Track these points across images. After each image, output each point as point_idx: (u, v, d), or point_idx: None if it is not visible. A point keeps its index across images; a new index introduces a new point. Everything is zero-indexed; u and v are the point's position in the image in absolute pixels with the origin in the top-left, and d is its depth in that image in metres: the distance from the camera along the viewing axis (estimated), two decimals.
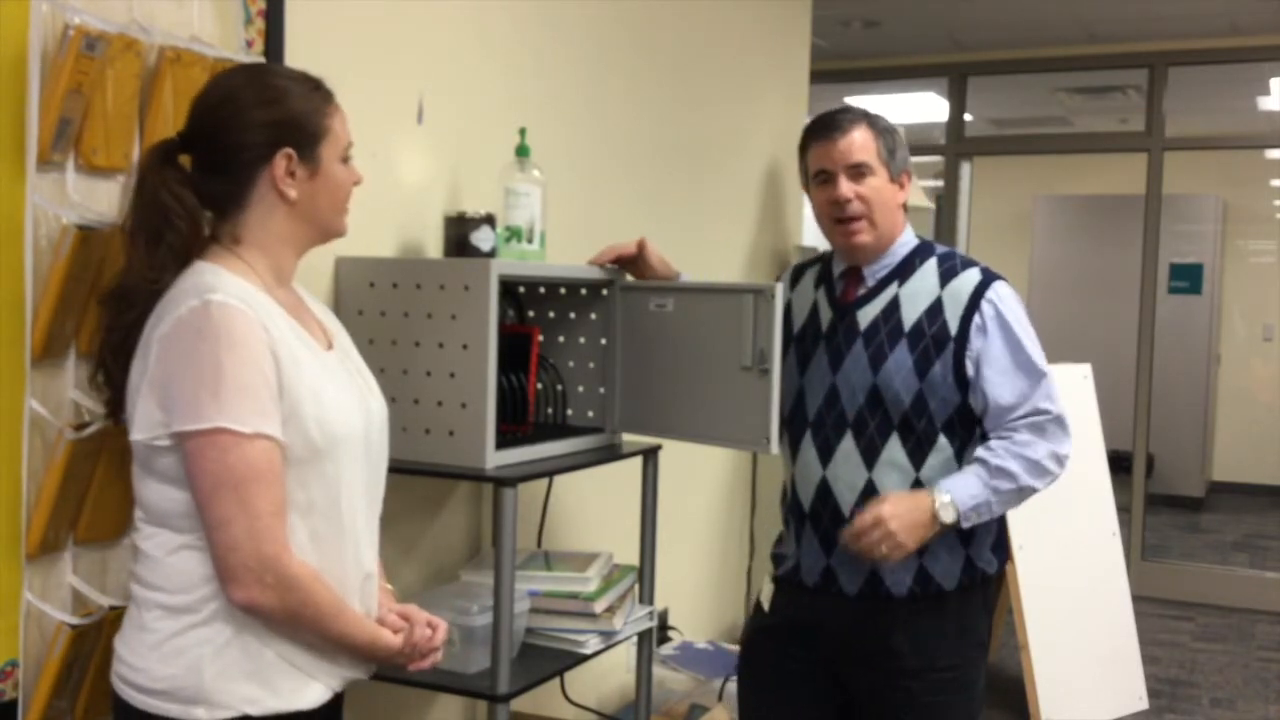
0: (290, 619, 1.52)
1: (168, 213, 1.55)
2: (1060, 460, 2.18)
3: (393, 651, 1.65)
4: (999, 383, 2.14)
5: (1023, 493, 2.15)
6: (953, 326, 2.15)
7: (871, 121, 2.21)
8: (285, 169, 1.58)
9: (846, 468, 2.18)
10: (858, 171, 2.19)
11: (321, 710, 1.61)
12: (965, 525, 2.11)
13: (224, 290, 1.50)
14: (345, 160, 1.66)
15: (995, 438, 2.15)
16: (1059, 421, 2.17)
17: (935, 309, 2.16)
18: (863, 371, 2.17)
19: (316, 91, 1.63)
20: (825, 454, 2.20)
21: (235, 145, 1.57)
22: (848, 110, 2.24)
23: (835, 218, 2.21)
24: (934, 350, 2.14)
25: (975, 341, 2.14)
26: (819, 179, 2.23)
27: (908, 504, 2.08)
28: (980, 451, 2.14)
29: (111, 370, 1.58)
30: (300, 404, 1.52)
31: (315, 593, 1.53)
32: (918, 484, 2.15)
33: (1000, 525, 2.27)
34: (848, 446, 2.18)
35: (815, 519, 2.23)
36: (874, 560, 2.10)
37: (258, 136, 1.57)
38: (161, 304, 1.52)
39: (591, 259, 2.42)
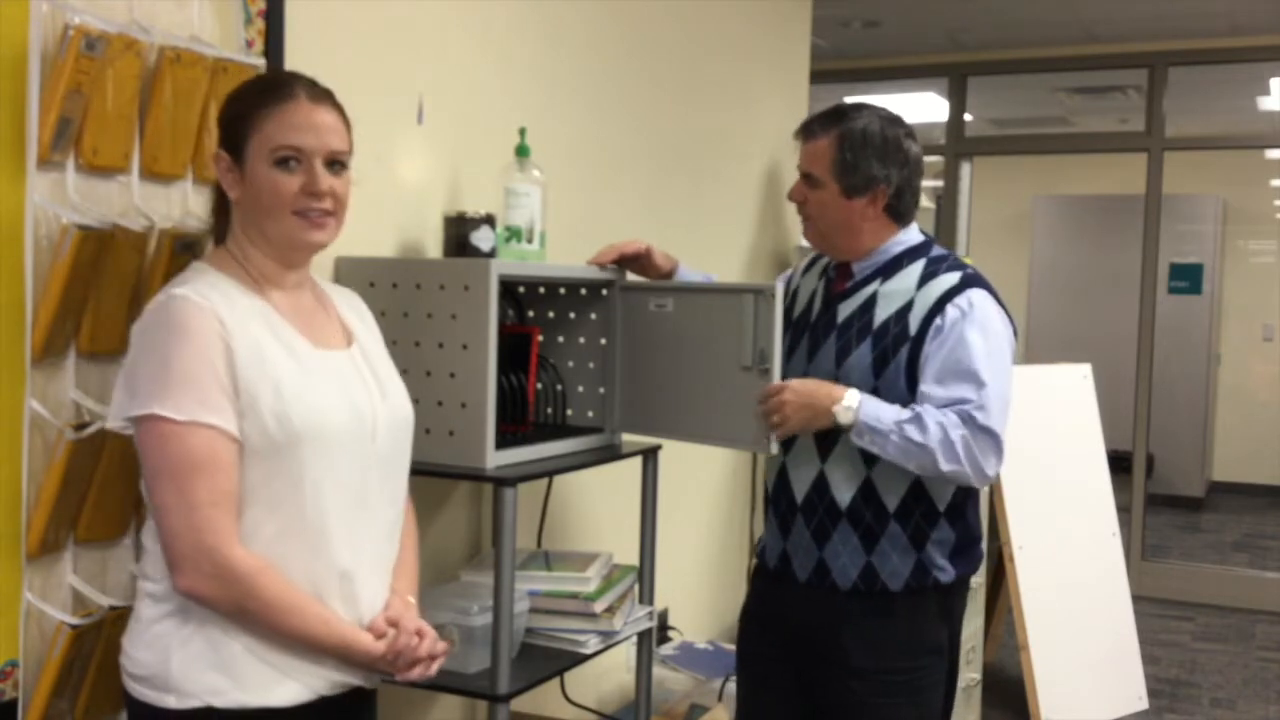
0: (236, 611, 1.52)
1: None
2: (975, 464, 2.07)
3: (372, 657, 1.61)
4: (932, 386, 2.10)
5: (924, 453, 2.05)
6: (913, 327, 2.14)
7: (843, 132, 2.19)
8: (224, 167, 1.63)
9: (803, 457, 2.22)
10: (807, 179, 2.24)
11: (300, 711, 1.57)
12: (856, 440, 2.09)
13: (191, 285, 1.55)
14: (279, 163, 1.58)
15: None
16: (988, 434, 2.07)
17: (905, 309, 2.16)
18: (830, 364, 2.19)
19: (265, 92, 1.62)
20: (788, 442, 2.24)
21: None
22: (830, 114, 2.24)
23: None
24: (891, 350, 2.14)
25: (929, 344, 2.12)
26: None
27: (812, 387, 2.11)
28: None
29: None
30: (258, 397, 1.53)
31: (262, 587, 1.51)
32: (869, 482, 2.16)
33: (960, 537, 2.22)
34: (806, 437, 2.20)
35: (775, 504, 2.29)
36: (768, 422, 2.13)
37: (218, 135, 1.65)
38: None
39: (592, 259, 2.42)
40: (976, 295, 2.14)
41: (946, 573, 2.21)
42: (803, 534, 2.22)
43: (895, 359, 2.13)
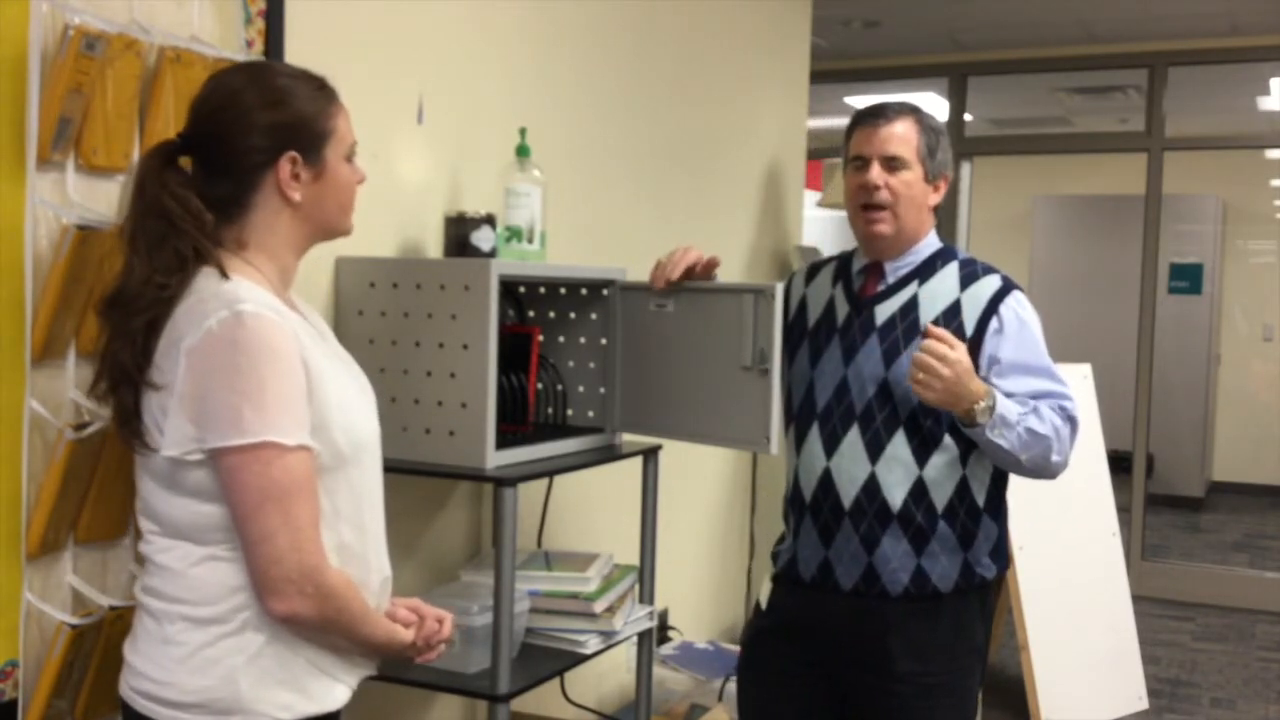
0: (324, 626, 1.53)
1: (171, 216, 1.52)
2: (1066, 455, 2.15)
3: (405, 646, 1.66)
4: (1015, 380, 2.14)
5: (1040, 443, 2.09)
6: (969, 328, 2.15)
7: (920, 117, 2.23)
8: (290, 172, 1.57)
9: (850, 460, 2.19)
10: (892, 163, 2.19)
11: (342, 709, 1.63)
12: (986, 433, 2.06)
13: (252, 300, 1.48)
14: (350, 159, 1.65)
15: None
16: (1075, 425, 2.16)
17: (953, 310, 2.17)
18: (875, 365, 2.18)
19: (320, 91, 1.62)
20: (831, 445, 2.21)
21: (240, 148, 1.56)
22: (901, 103, 2.25)
23: (861, 203, 2.22)
24: None
25: (990, 343, 2.15)
26: (855, 163, 2.24)
27: (965, 373, 2.03)
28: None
29: (132, 378, 1.51)
30: (328, 412, 1.53)
31: (350, 600, 1.55)
32: (920, 482, 2.15)
33: (1000, 532, 2.26)
34: (853, 439, 2.18)
35: (816, 510, 2.23)
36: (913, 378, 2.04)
37: (263, 139, 1.56)
38: (180, 313, 1.49)
39: (669, 275, 2.29)
40: (1022, 297, 2.21)
41: (990, 570, 2.24)
42: (850, 540, 2.19)
43: None
